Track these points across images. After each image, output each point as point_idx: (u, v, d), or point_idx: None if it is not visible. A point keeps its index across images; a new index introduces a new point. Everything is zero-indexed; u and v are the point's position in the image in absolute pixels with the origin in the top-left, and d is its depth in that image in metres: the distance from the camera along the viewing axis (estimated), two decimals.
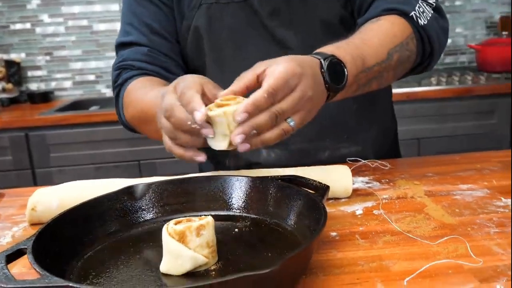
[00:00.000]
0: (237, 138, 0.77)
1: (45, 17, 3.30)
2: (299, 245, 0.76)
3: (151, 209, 0.89)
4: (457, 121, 2.85)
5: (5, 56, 3.31)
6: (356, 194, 1.00)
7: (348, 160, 1.20)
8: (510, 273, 0.67)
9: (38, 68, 3.36)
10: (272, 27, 1.18)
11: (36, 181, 2.75)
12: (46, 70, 3.36)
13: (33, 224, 0.94)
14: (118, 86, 1.21)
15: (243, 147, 0.79)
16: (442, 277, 0.67)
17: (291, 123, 0.81)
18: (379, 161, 1.19)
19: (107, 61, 3.34)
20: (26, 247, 0.65)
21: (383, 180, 1.08)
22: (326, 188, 0.85)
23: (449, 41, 3.20)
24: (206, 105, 0.79)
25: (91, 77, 3.38)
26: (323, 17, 1.17)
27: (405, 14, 1.07)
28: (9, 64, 3.24)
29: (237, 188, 0.91)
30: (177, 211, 0.89)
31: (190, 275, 0.69)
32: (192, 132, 0.81)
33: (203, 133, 0.80)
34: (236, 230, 0.83)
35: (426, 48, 1.10)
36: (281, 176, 0.91)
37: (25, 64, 3.34)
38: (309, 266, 0.71)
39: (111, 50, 3.26)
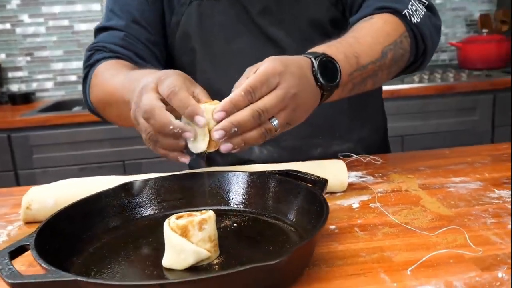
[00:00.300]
0: (216, 134, 0.77)
1: (25, 17, 3.26)
2: (300, 238, 0.76)
3: (148, 205, 0.88)
4: (439, 118, 2.88)
5: None
6: (351, 188, 1.01)
7: (340, 155, 1.20)
8: (510, 261, 0.68)
9: (18, 69, 3.32)
10: (263, 25, 1.18)
11: (19, 183, 2.71)
12: (27, 71, 3.32)
13: (28, 223, 0.93)
14: (88, 66, 1.19)
15: (225, 147, 0.79)
16: (444, 266, 0.67)
17: (274, 123, 0.80)
18: (371, 156, 1.19)
19: None
20: (28, 243, 0.64)
21: (376, 175, 1.08)
22: (324, 181, 0.85)
23: None
24: None
25: (73, 78, 3.35)
26: (314, 16, 1.17)
27: (398, 12, 1.07)
28: None
29: (235, 183, 0.91)
30: (174, 207, 0.88)
31: (193, 269, 0.69)
32: (174, 135, 0.80)
33: (185, 136, 0.79)
34: (235, 225, 0.83)
35: (419, 47, 1.10)
36: (278, 170, 0.91)
37: (5, 65, 3.30)
38: (311, 259, 0.71)
39: None
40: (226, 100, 0.78)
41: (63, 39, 3.31)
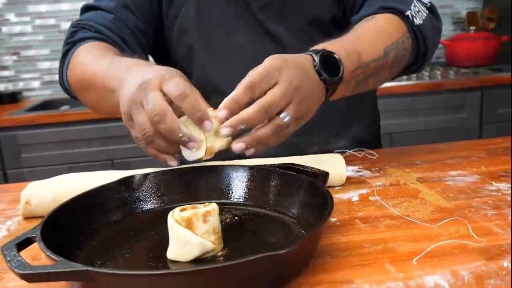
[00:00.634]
0: (224, 130, 0.78)
1: (11, 16, 3.23)
2: (303, 231, 0.76)
3: (149, 199, 0.88)
4: (428, 116, 2.90)
5: None
6: (349, 182, 1.01)
7: (336, 152, 1.21)
8: None
9: (5, 68, 3.29)
10: (264, 20, 1.18)
11: (7, 182, 2.69)
12: (14, 70, 3.29)
13: (27, 218, 0.92)
14: (70, 43, 1.15)
15: (237, 146, 0.79)
16: (449, 257, 0.68)
17: (286, 119, 0.80)
18: (366, 150, 1.20)
19: None
20: (34, 235, 0.64)
21: (373, 169, 1.09)
22: (326, 174, 0.85)
23: None
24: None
25: None
26: (315, 14, 1.17)
27: (401, 13, 1.07)
28: None
29: (235, 177, 0.90)
30: (175, 201, 0.88)
31: (198, 261, 0.69)
32: (180, 143, 0.80)
33: (189, 146, 0.80)
34: (237, 218, 0.83)
35: (420, 48, 1.10)
36: (278, 164, 0.91)
37: None
38: (315, 251, 0.72)
39: None
40: (227, 98, 0.78)
41: (50, 38, 3.28)
